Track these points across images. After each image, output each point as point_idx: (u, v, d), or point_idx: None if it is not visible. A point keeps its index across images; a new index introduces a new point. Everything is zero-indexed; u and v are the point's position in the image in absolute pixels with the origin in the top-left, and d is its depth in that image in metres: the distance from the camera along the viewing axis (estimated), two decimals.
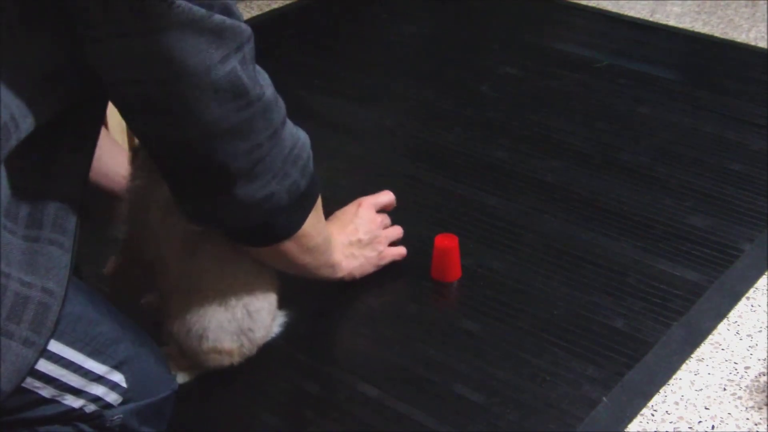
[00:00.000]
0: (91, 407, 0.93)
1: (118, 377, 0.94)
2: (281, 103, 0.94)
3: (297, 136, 0.98)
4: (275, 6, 2.27)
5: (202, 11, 0.80)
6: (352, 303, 1.28)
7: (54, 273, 0.85)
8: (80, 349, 0.91)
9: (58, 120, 0.84)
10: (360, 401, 1.12)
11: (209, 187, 0.93)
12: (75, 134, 0.88)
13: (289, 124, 0.96)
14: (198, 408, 1.12)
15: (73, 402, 0.92)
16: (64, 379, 0.90)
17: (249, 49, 0.86)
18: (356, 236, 1.24)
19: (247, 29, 0.86)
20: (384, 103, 1.81)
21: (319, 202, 1.07)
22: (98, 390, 0.93)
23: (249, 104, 0.87)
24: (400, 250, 1.32)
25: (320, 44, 2.07)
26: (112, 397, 0.94)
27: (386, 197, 1.32)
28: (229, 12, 0.83)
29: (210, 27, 0.81)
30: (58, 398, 0.91)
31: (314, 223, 1.06)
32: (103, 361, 0.93)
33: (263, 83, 0.89)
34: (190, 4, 0.79)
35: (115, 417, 0.95)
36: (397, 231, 1.32)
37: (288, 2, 2.28)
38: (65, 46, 0.81)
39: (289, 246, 1.05)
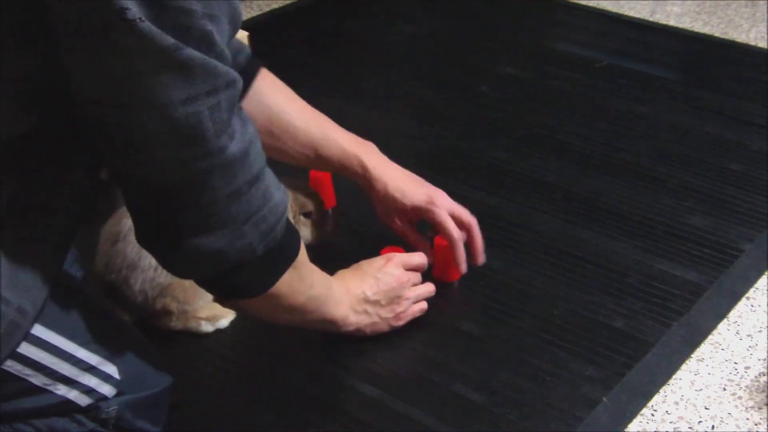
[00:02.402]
0: (85, 400, 0.93)
1: (110, 368, 0.94)
2: (255, 160, 0.85)
3: (269, 197, 0.88)
4: (275, 6, 2.27)
5: (170, 41, 0.72)
6: None
7: (33, 294, 0.84)
8: (72, 338, 0.91)
9: (67, 137, 0.83)
10: (360, 401, 1.12)
11: (158, 230, 0.87)
12: (83, 152, 0.86)
13: (265, 182, 0.88)
14: (198, 408, 1.12)
15: (67, 392, 0.92)
16: (55, 367, 0.90)
17: (228, 95, 0.78)
18: (373, 292, 1.16)
19: (228, 73, 0.78)
20: (384, 103, 1.81)
21: (302, 261, 0.99)
22: (91, 381, 0.93)
23: (207, 155, 0.79)
24: (422, 306, 1.23)
25: (320, 44, 2.07)
26: (106, 389, 0.94)
27: (419, 259, 1.23)
28: (207, 45, 0.75)
29: (177, 61, 0.73)
30: (50, 387, 0.90)
31: (291, 284, 0.98)
32: (96, 351, 0.93)
33: (236, 137, 0.81)
34: (156, 29, 0.71)
35: (110, 409, 0.96)
36: (426, 289, 1.23)
37: (288, 2, 2.28)
38: (51, 61, 0.78)
39: (259, 304, 0.98)
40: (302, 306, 1.04)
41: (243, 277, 0.92)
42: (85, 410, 0.94)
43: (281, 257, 0.95)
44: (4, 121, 0.79)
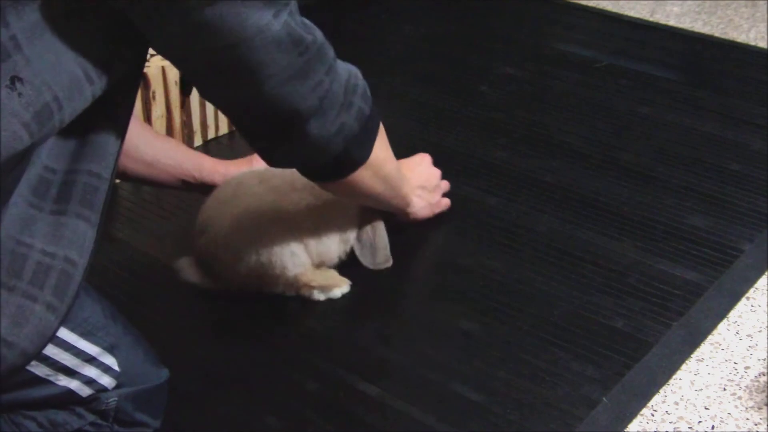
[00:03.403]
0: (86, 391, 0.94)
1: (110, 360, 0.95)
2: (328, 43, 0.99)
3: (348, 67, 1.03)
4: None
5: None
6: (352, 302, 1.28)
7: (78, 245, 0.86)
8: (72, 329, 0.92)
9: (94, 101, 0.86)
10: (360, 400, 1.12)
11: (285, 131, 0.98)
12: (109, 114, 0.89)
13: (338, 59, 1.02)
14: (198, 408, 1.12)
15: (68, 383, 0.93)
16: (57, 358, 0.91)
17: (294, 4, 0.92)
18: (423, 179, 1.37)
19: None
20: (384, 103, 1.81)
21: (383, 129, 1.13)
22: (91, 372, 0.94)
23: (306, 49, 0.93)
24: (447, 202, 1.44)
25: None
26: (106, 380, 0.95)
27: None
28: None
29: None
30: (52, 378, 0.91)
31: (383, 149, 1.13)
32: (96, 343, 0.94)
33: (313, 26, 0.96)
34: None
35: (110, 400, 0.96)
36: (447, 184, 1.44)
37: None
38: (118, 34, 0.83)
39: (364, 174, 1.10)
40: (391, 174, 1.18)
41: (359, 144, 1.06)
42: (85, 401, 0.95)
43: (375, 117, 1.08)
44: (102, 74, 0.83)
